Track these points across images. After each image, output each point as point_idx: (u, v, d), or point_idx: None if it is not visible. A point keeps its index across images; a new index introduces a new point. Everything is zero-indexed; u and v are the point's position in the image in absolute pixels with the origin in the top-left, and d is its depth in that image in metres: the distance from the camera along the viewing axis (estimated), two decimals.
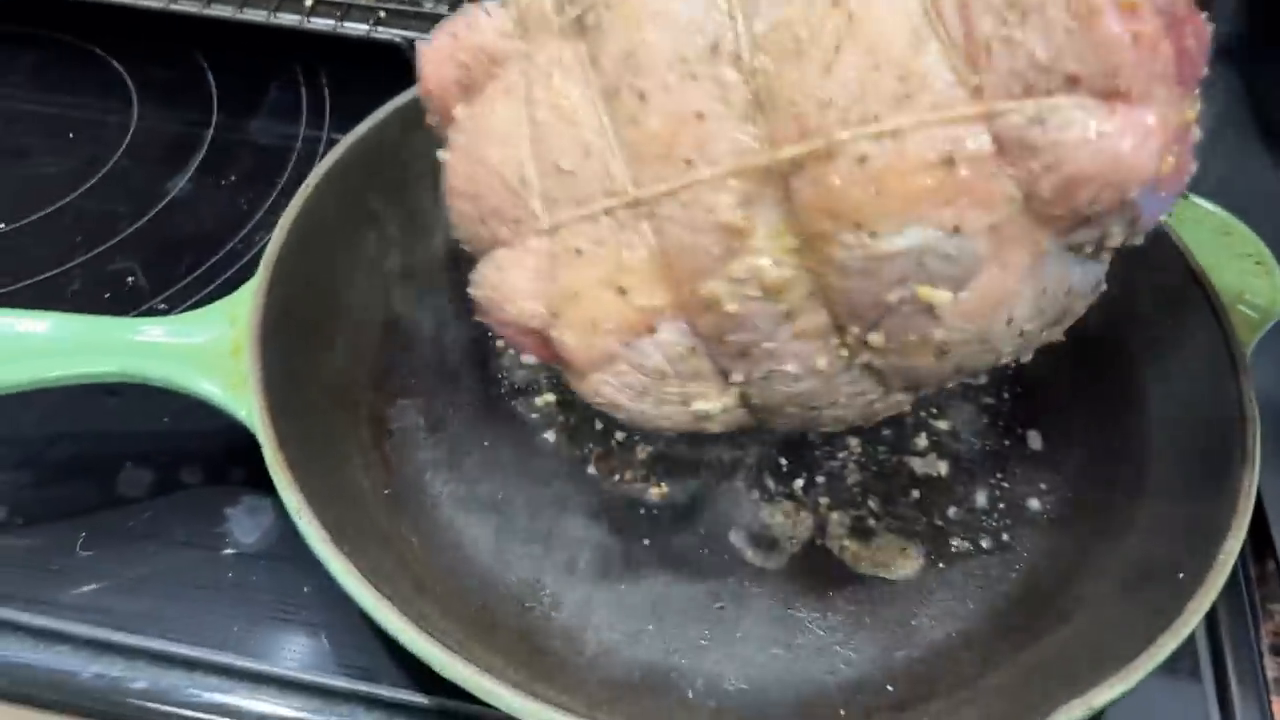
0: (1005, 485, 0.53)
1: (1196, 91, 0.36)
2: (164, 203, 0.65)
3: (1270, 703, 0.48)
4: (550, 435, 0.54)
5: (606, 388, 0.41)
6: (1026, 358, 0.42)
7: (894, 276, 0.36)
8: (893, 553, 0.50)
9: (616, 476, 0.52)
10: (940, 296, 0.36)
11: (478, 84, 0.42)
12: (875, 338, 0.38)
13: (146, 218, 0.64)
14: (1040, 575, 0.50)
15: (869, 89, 0.34)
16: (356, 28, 0.69)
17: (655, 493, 0.52)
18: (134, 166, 0.67)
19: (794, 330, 0.38)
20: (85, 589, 0.48)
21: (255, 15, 0.69)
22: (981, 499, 0.53)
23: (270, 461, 0.44)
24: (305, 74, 0.73)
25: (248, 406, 0.46)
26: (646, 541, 0.50)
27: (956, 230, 0.34)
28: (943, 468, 0.54)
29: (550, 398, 0.55)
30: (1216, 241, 0.57)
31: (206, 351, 0.48)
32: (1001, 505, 0.53)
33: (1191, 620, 0.42)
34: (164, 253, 0.62)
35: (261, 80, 0.73)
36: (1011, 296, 0.36)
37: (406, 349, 0.56)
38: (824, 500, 0.52)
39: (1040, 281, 0.37)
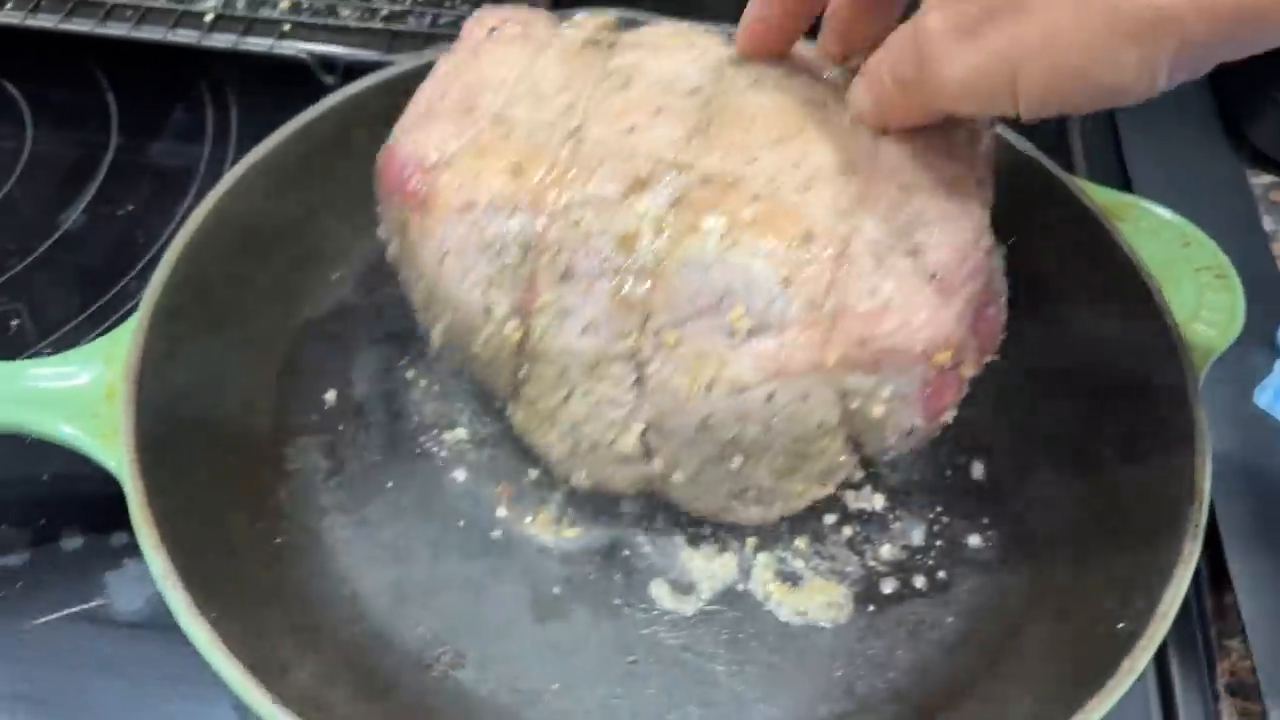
0: (944, 520, 0.50)
1: (981, 361, 0.45)
2: (55, 237, 0.61)
3: None
4: (459, 474, 0.51)
5: (441, 229, 0.44)
6: (753, 471, 0.44)
7: (724, 283, 0.40)
8: (820, 597, 0.47)
9: (528, 518, 0.49)
10: (744, 324, 0.40)
11: (502, 36, 0.49)
12: (671, 335, 0.42)
13: (37, 254, 0.60)
14: (977, 621, 0.47)
15: (784, 170, 0.42)
16: (259, 42, 0.66)
17: (569, 535, 0.49)
18: (26, 196, 0.64)
19: (613, 286, 0.42)
20: None
21: (152, 33, 0.65)
22: (918, 536, 0.49)
23: (136, 519, 0.41)
24: (211, 92, 0.70)
25: (117, 459, 0.43)
26: (557, 590, 0.47)
27: (786, 283, 0.40)
28: (878, 501, 0.50)
29: (461, 433, 0.52)
30: (1175, 253, 0.54)
31: (78, 396, 0.45)
32: (939, 542, 0.49)
33: (1127, 679, 0.39)
34: (53, 292, 0.58)
35: (166, 100, 0.69)
36: (787, 374, 0.41)
37: (309, 383, 0.53)
38: (750, 540, 0.49)
39: (809, 389, 0.41)
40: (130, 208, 0.63)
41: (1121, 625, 0.41)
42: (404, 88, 0.56)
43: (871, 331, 0.40)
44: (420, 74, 0.56)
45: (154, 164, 0.65)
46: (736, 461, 0.44)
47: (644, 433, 0.45)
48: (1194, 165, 0.69)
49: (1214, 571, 0.51)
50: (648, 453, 0.46)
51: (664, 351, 0.42)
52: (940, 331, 0.40)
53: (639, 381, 0.43)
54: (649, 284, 0.42)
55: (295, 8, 0.70)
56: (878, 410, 0.42)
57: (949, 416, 0.44)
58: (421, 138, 0.45)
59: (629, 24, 0.52)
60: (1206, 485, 0.44)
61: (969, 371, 0.43)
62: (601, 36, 0.49)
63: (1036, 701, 0.41)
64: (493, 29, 0.50)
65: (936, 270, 0.40)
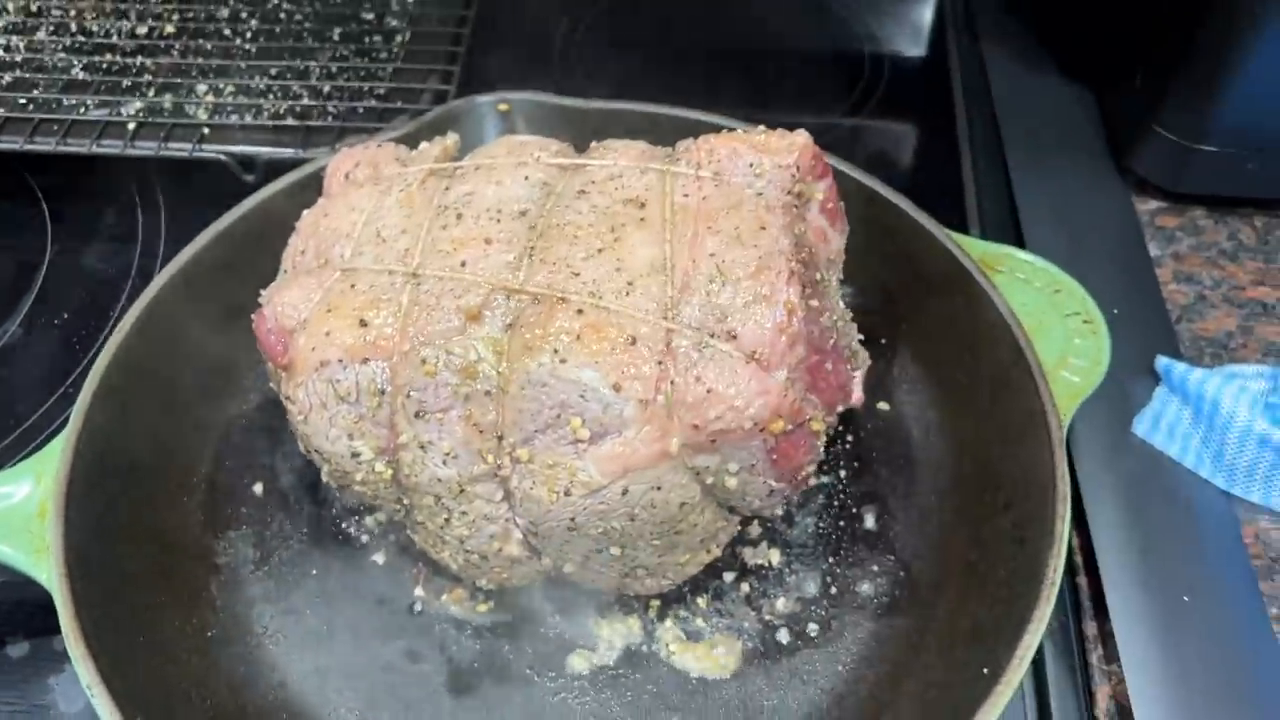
0: (837, 570, 0.53)
1: (830, 413, 0.49)
2: None
3: None
4: (379, 557, 0.54)
5: (302, 391, 0.47)
6: (634, 554, 0.48)
7: (561, 398, 0.44)
8: (719, 652, 0.50)
9: (444, 596, 0.53)
10: (584, 433, 0.44)
11: (355, 180, 0.54)
12: (523, 451, 0.45)
13: None
14: (864, 668, 0.50)
15: (605, 278, 0.45)
16: (180, 147, 0.69)
17: (482, 610, 0.52)
18: None
19: (464, 412, 0.46)
20: None
21: (78, 145, 0.69)
22: (812, 587, 0.53)
23: (66, 630, 0.44)
24: (141, 196, 0.73)
25: (47, 574, 0.46)
26: (472, 665, 0.50)
27: (617, 388, 0.43)
28: (774, 557, 0.54)
29: (381, 516, 0.55)
30: (1045, 301, 0.57)
31: (11, 515, 0.48)
32: (833, 591, 0.53)
33: None
34: None
35: (97, 205, 0.73)
36: (635, 469, 0.44)
37: (238, 477, 0.57)
38: (654, 603, 0.52)
39: (660, 477, 0.45)
40: (66, 315, 0.66)
41: (986, 670, 0.44)
42: (316, 184, 0.60)
43: (703, 418, 0.44)
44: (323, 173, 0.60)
45: (88, 269, 0.69)
46: (615, 550, 0.47)
47: (525, 538, 0.48)
48: (1082, 194, 0.72)
49: (1095, 598, 0.54)
50: (535, 552, 0.49)
51: (520, 467, 0.45)
52: (768, 404, 0.43)
53: (507, 495, 0.47)
54: (495, 408, 0.45)
55: (219, 108, 0.73)
56: (731, 482, 0.46)
57: (808, 472, 0.47)
58: (282, 302, 0.49)
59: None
60: (1063, 529, 0.47)
61: (817, 426, 0.46)
62: (442, 166, 0.52)
63: None
64: (347, 174, 0.54)
65: (754, 349, 0.44)
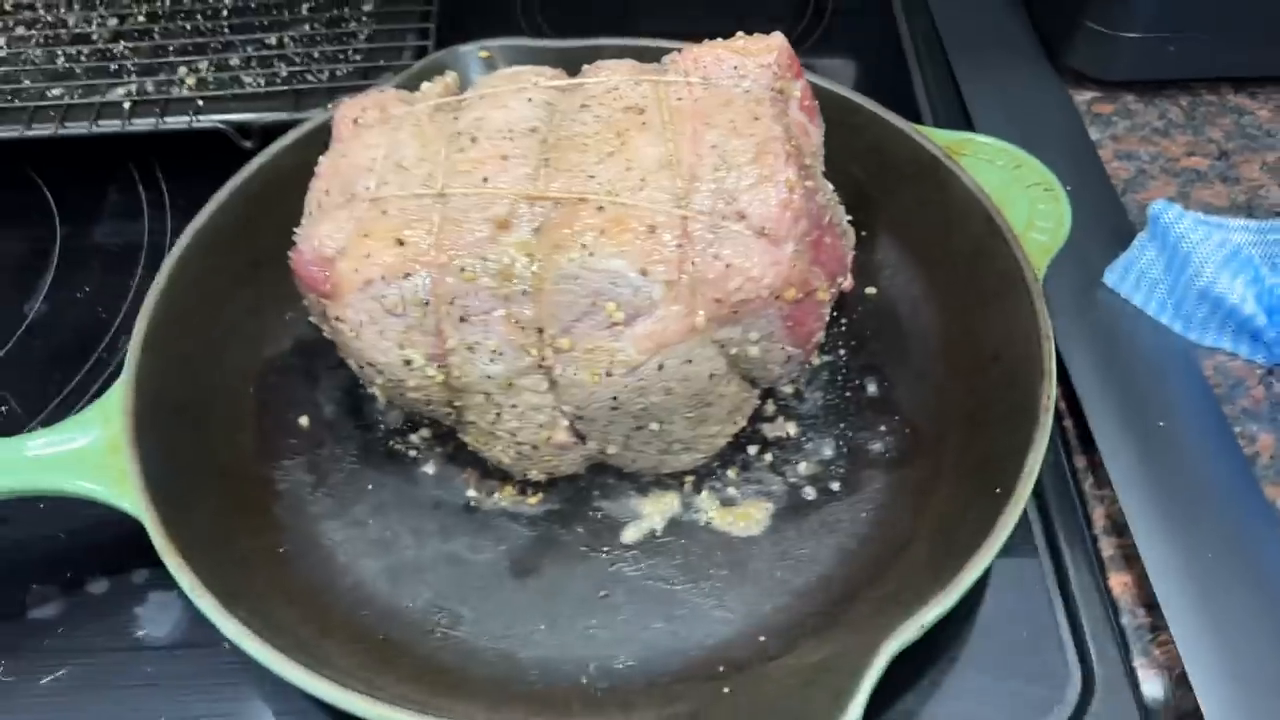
0: (849, 434, 0.58)
1: (833, 283, 0.53)
2: (23, 327, 0.67)
3: (1107, 578, 0.54)
4: (430, 467, 0.58)
5: (350, 310, 0.51)
6: (671, 428, 0.52)
7: (594, 287, 0.48)
8: (753, 513, 0.55)
9: (495, 497, 0.57)
10: (619, 315, 0.48)
11: (364, 124, 0.56)
12: (564, 340, 0.49)
13: (9, 344, 0.66)
14: (885, 513, 0.55)
15: (619, 177, 0.50)
16: (177, 121, 0.72)
17: (532, 502, 0.56)
18: None
19: (505, 312, 0.50)
20: (14, 712, 0.51)
21: (76, 128, 0.71)
22: (828, 450, 0.58)
23: (159, 548, 0.48)
24: (140, 173, 0.76)
25: (130, 499, 0.49)
26: (530, 550, 0.55)
27: (644, 272, 0.47)
28: (791, 429, 0.59)
29: (426, 432, 0.59)
30: (1008, 176, 0.63)
31: (86, 455, 0.51)
32: (846, 451, 0.58)
33: (1002, 534, 0.47)
34: (33, 375, 0.64)
35: (99, 187, 0.75)
36: (668, 346, 0.49)
37: (283, 412, 0.60)
38: (689, 479, 0.57)
39: (690, 351, 0.49)
40: (87, 289, 0.69)
41: (999, 490, 0.50)
42: (315, 142, 0.63)
43: (724, 291, 0.48)
44: (325, 128, 0.63)
45: (100, 246, 0.71)
46: (654, 426, 0.52)
47: (570, 424, 0.52)
48: (1025, 93, 0.78)
49: (1081, 435, 0.60)
50: (580, 438, 0.53)
51: (563, 355, 0.50)
52: (780, 274, 0.48)
53: (552, 385, 0.51)
54: (533, 305, 0.49)
55: (201, 83, 0.76)
56: (753, 351, 0.51)
57: (819, 339, 0.52)
58: (316, 236, 0.52)
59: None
60: (1051, 364, 0.53)
61: (823, 295, 0.51)
62: (446, 101, 0.56)
63: (939, 561, 0.49)
64: (355, 119, 0.57)
65: (763, 225, 0.48)
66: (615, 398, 0.50)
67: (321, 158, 0.57)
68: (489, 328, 0.50)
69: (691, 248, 0.48)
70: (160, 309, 0.57)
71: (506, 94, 0.55)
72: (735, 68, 0.54)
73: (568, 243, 0.48)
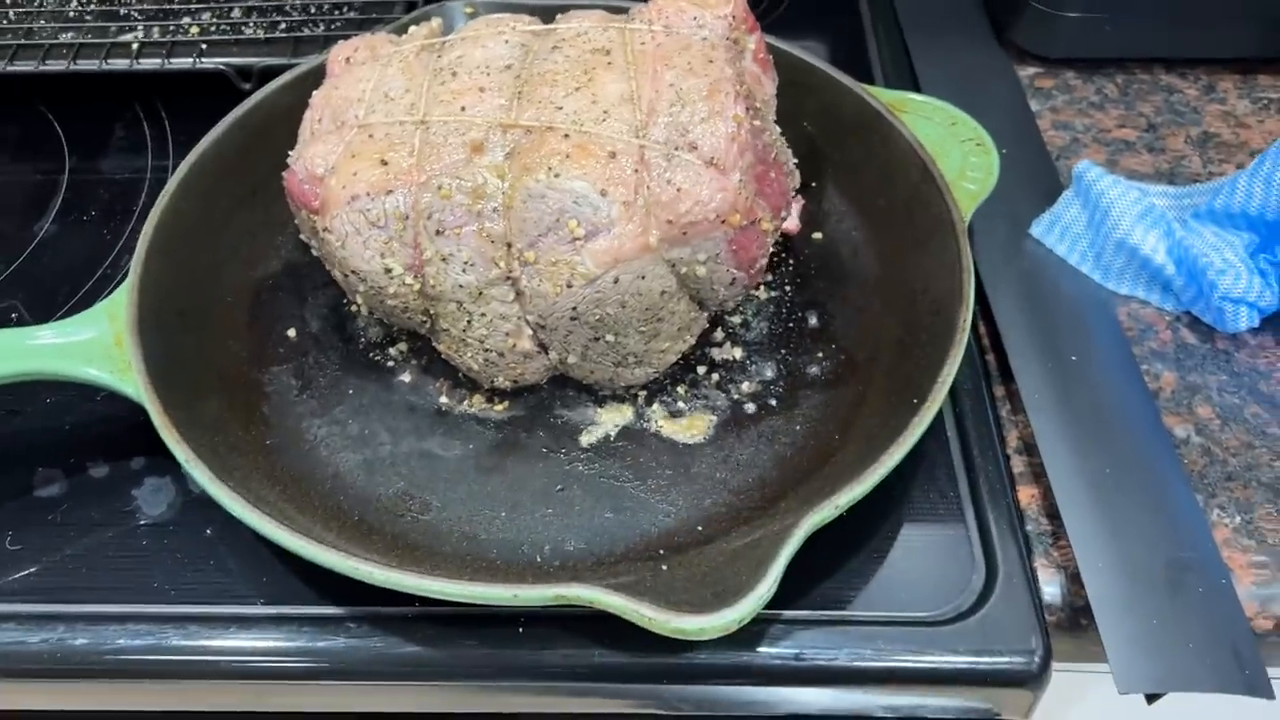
0: (789, 360, 0.64)
1: (776, 216, 0.59)
2: (33, 244, 0.72)
3: (1015, 491, 0.60)
4: (406, 376, 0.63)
5: (338, 221, 0.56)
6: (625, 341, 0.58)
7: (558, 205, 0.53)
8: (699, 424, 0.61)
9: (465, 404, 0.62)
10: (579, 231, 0.53)
11: (355, 62, 0.62)
12: (530, 253, 0.55)
13: (20, 260, 0.71)
14: (817, 425, 0.61)
15: (584, 109, 0.55)
16: (182, 62, 0.77)
17: (499, 409, 0.62)
18: (0, 217, 0.74)
19: (478, 228, 0.55)
20: (21, 575, 0.56)
21: (88, 65, 0.77)
22: (769, 372, 0.63)
23: (158, 425, 0.53)
24: (145, 112, 0.81)
25: (134, 385, 0.55)
26: (496, 449, 0.60)
27: (604, 193, 0.53)
28: (737, 353, 0.64)
29: (403, 346, 0.64)
30: (944, 131, 0.69)
31: (93, 345, 0.57)
32: (786, 374, 0.63)
33: (916, 431, 0.53)
34: (41, 288, 0.69)
35: (106, 123, 0.81)
36: (623, 261, 0.54)
37: (272, 324, 0.65)
38: (642, 393, 0.62)
39: (644, 268, 0.55)
40: (93, 213, 0.74)
41: (915, 400, 0.55)
42: (310, 82, 0.69)
43: (675, 213, 0.54)
44: (319, 71, 0.69)
45: (107, 178, 0.77)
46: (610, 338, 0.57)
47: (534, 334, 0.58)
48: (972, 65, 0.84)
49: (1002, 369, 0.65)
50: (543, 348, 0.59)
51: (529, 268, 0.55)
52: (725, 200, 0.54)
53: (518, 295, 0.57)
54: (503, 221, 0.55)
55: (204, 30, 0.82)
56: (700, 270, 0.56)
57: (761, 264, 0.58)
58: (309, 156, 0.58)
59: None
60: (969, 292, 0.58)
61: (767, 225, 0.57)
62: (431, 42, 0.62)
63: (861, 462, 0.54)
64: (347, 58, 0.63)
65: (712, 156, 0.54)
66: (575, 308, 0.56)
67: (315, 92, 0.63)
68: (462, 240, 0.56)
69: (647, 173, 0.54)
70: (165, 221, 0.62)
71: (486, 35, 0.61)
72: (694, 19, 0.60)
73: (536, 165, 0.54)
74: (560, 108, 0.56)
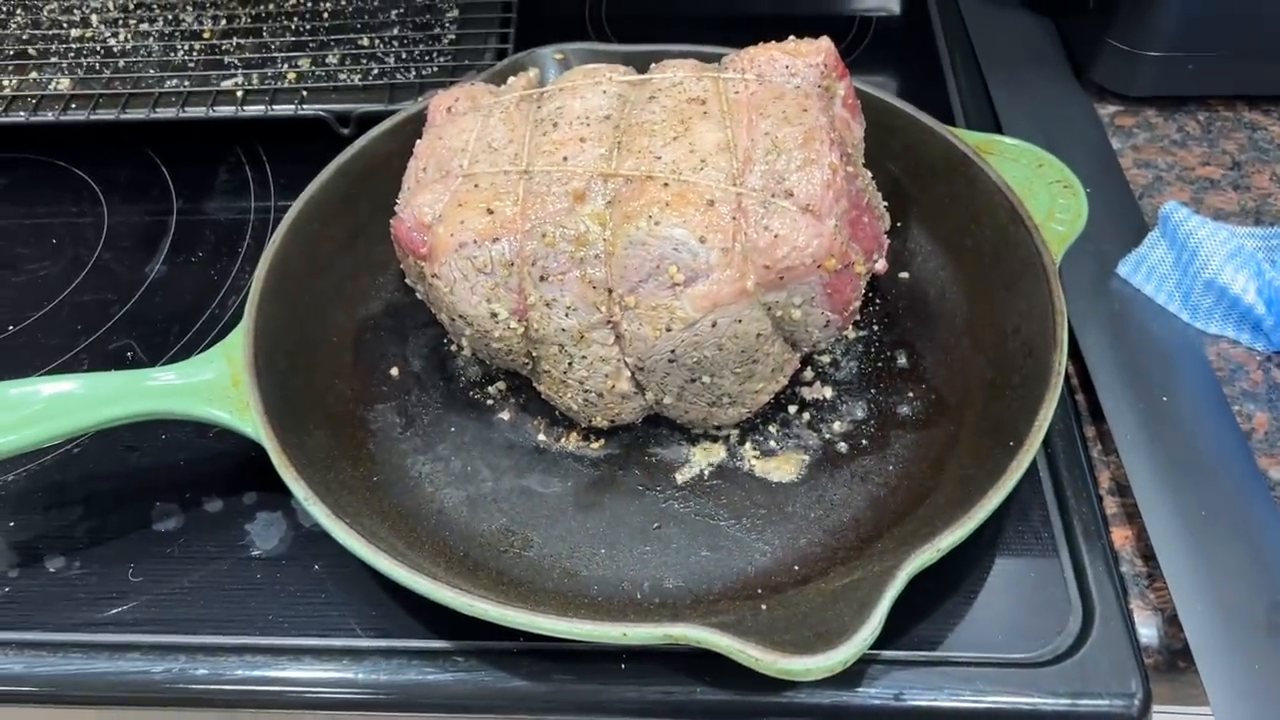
0: (880, 399, 0.65)
1: (869, 260, 0.60)
2: (145, 285, 0.75)
3: (1109, 532, 0.60)
4: (505, 414, 0.65)
5: (446, 268, 0.58)
6: (720, 382, 0.59)
7: (659, 252, 0.55)
8: (791, 463, 0.62)
9: (562, 442, 0.64)
10: (679, 277, 0.55)
11: (457, 112, 0.65)
12: (630, 298, 0.56)
13: (133, 300, 0.74)
14: (910, 465, 0.61)
15: (682, 159, 0.57)
16: (284, 109, 0.81)
17: (595, 447, 0.63)
18: (114, 259, 0.77)
19: (580, 274, 0.57)
20: (142, 605, 0.58)
21: (195, 112, 0.81)
22: (861, 412, 0.64)
23: (277, 463, 0.55)
24: (246, 156, 0.85)
25: (252, 424, 0.57)
26: (594, 487, 0.62)
27: (702, 240, 0.54)
28: (827, 392, 0.65)
29: (501, 385, 0.66)
30: (1031, 173, 0.69)
31: (212, 386, 0.59)
32: (877, 413, 0.64)
33: (1016, 474, 0.54)
34: (154, 327, 0.73)
35: (210, 167, 0.84)
36: (721, 306, 0.55)
37: (376, 364, 0.68)
38: (734, 432, 0.64)
39: (740, 311, 0.56)
40: (200, 254, 0.77)
41: (1012, 443, 0.56)
42: (409, 129, 0.71)
43: (772, 259, 0.55)
44: (417, 117, 0.71)
45: (212, 219, 0.80)
46: (706, 379, 0.59)
47: (633, 375, 0.60)
48: (1052, 104, 0.84)
49: (1092, 409, 0.66)
50: (640, 389, 0.60)
51: (629, 312, 0.57)
52: (821, 245, 0.55)
53: (618, 338, 0.58)
54: (604, 267, 0.57)
55: (302, 76, 0.85)
56: (796, 314, 0.57)
57: (854, 307, 0.59)
58: (417, 204, 0.60)
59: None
60: (1063, 335, 0.59)
61: (860, 269, 0.58)
62: (530, 92, 0.64)
63: (956, 504, 0.55)
64: (449, 108, 0.66)
65: (808, 202, 0.55)
66: (673, 350, 0.57)
67: (418, 141, 0.65)
68: (565, 286, 0.57)
69: (745, 220, 0.56)
70: (274, 267, 0.65)
71: (584, 87, 0.63)
72: (786, 67, 0.61)
73: (637, 214, 0.56)
74: (659, 157, 0.57)
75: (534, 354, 0.60)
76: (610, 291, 0.57)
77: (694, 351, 0.57)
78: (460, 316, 0.59)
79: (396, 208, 0.63)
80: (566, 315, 0.58)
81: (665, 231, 0.55)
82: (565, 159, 0.59)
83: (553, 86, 0.64)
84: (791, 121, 0.58)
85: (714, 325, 0.56)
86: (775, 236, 0.55)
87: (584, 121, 0.60)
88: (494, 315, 0.58)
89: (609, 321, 0.58)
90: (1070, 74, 0.87)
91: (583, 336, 0.58)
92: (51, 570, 0.60)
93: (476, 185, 0.59)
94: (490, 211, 0.58)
